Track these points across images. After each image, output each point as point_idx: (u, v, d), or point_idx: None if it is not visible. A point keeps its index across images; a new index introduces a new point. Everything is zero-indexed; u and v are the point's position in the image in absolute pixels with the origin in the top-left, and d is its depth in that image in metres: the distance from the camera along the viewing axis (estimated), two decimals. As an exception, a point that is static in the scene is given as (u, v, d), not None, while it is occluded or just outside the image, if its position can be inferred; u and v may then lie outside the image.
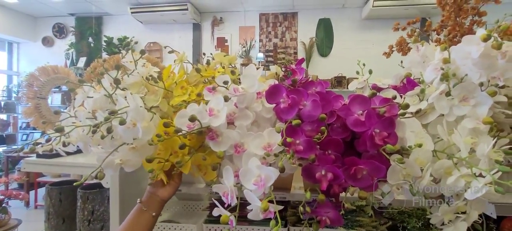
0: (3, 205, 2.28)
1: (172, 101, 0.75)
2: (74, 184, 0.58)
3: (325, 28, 5.03)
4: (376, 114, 0.52)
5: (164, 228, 0.96)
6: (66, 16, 5.37)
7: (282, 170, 0.52)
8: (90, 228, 0.97)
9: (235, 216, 0.56)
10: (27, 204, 3.83)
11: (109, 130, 0.57)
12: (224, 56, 0.91)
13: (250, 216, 0.53)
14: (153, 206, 0.67)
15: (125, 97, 0.66)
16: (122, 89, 0.76)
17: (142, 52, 0.83)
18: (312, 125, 0.56)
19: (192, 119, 0.54)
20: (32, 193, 3.93)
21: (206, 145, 0.67)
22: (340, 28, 4.96)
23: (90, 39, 5.27)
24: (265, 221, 0.54)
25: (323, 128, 0.54)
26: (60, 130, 0.62)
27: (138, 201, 0.69)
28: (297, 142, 0.52)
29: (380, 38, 4.69)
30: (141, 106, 0.60)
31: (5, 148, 4.88)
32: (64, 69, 1.08)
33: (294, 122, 0.52)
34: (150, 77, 0.77)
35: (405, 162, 0.48)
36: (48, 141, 0.61)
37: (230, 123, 0.64)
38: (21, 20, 5.26)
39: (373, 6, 4.38)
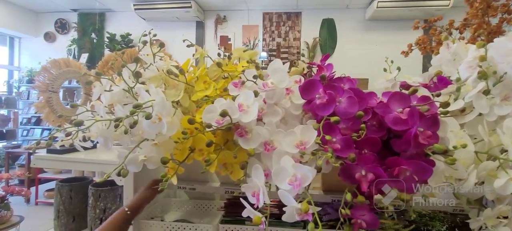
0: (5, 201, 2.25)
1: (194, 96, 0.72)
2: (98, 180, 0.55)
3: (328, 29, 5.01)
4: (419, 112, 0.50)
5: (178, 228, 0.93)
6: (69, 11, 5.33)
7: (319, 169, 0.50)
8: (102, 227, 0.94)
9: (266, 217, 0.53)
10: (28, 200, 3.79)
11: (133, 124, 0.54)
12: (244, 51, 0.88)
13: (285, 218, 0.50)
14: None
15: (147, 91, 0.64)
16: (141, 83, 0.73)
17: (161, 45, 0.80)
18: (348, 123, 0.54)
19: (224, 114, 0.51)
20: (32, 189, 3.89)
21: (230, 142, 0.64)
22: (343, 29, 4.93)
23: (93, 35, 5.23)
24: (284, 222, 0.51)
25: (362, 125, 0.51)
26: (79, 123, 0.59)
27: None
28: (334, 140, 0.49)
29: (383, 39, 4.68)
30: (167, 101, 0.57)
31: (5, 143, 4.83)
32: (76, 63, 1.05)
33: (333, 119, 0.50)
34: (171, 71, 0.74)
35: (455, 162, 0.46)
36: (68, 135, 0.58)
37: (258, 119, 0.61)
38: (23, 15, 5.22)
39: (377, 7, 4.36)
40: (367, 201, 0.51)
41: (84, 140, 0.60)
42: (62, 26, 5.40)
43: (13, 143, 4.96)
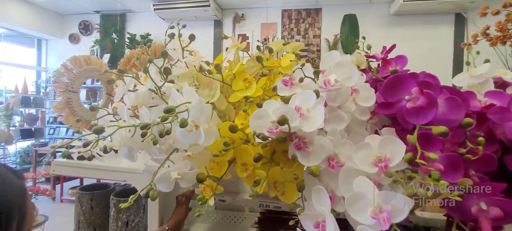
0: (31, 200, 2.26)
1: (231, 97, 0.60)
2: (123, 206, 0.44)
3: (350, 25, 4.77)
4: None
5: (207, 245, 0.82)
6: (92, 13, 5.46)
7: (412, 197, 0.36)
8: (124, 241, 0.85)
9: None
10: (53, 198, 3.87)
11: (165, 133, 0.43)
12: (284, 44, 0.75)
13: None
14: None
15: (178, 90, 0.52)
16: (169, 82, 0.63)
17: (192, 37, 0.69)
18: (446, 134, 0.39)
19: (283, 122, 0.39)
20: (57, 186, 3.98)
21: (278, 154, 0.52)
22: (366, 25, 4.68)
23: (114, 36, 5.32)
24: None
25: (480, 138, 0.37)
26: (99, 131, 0.49)
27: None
28: (433, 157, 0.36)
29: (410, 35, 4.37)
30: (206, 103, 0.45)
31: (33, 141, 5.02)
32: (97, 60, 0.97)
33: (438, 130, 0.36)
34: (203, 67, 0.63)
35: None
36: (86, 145, 0.48)
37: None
38: (49, 18, 5.41)
39: (403, 1, 4.08)
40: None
41: (105, 151, 0.50)
42: (85, 28, 5.55)
43: (41, 140, 5.14)
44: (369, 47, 0.67)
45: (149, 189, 0.45)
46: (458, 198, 0.32)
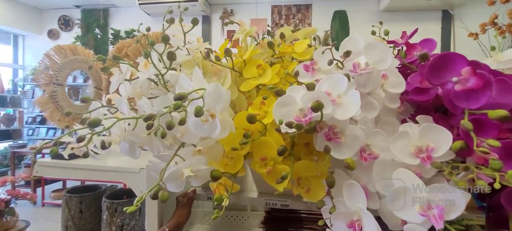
0: (11, 205, 2.11)
1: (243, 86, 0.54)
2: (136, 202, 0.38)
3: (340, 21, 4.78)
4: None
5: (211, 248, 0.76)
6: (72, 8, 5.20)
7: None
8: (119, 247, 0.78)
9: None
10: (34, 202, 3.66)
11: (179, 123, 0.37)
12: (292, 31, 0.70)
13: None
14: None
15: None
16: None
17: (195, 21, 0.62)
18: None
19: (318, 107, 0.34)
20: (39, 189, 3.77)
21: (300, 147, 0.47)
22: (356, 21, 4.72)
23: (97, 31, 5.09)
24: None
25: None
26: (95, 124, 0.42)
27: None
28: (495, 144, 0.31)
29: (399, 31, 4.42)
30: (223, 91, 0.39)
31: (11, 142, 4.73)
32: (84, 51, 0.88)
33: (496, 114, 0.31)
34: (210, 53, 0.56)
35: None
36: (80, 140, 0.41)
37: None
38: (26, 12, 5.11)
39: (392, -3, 4.14)
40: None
41: (104, 146, 0.43)
42: (65, 23, 5.28)
43: (19, 142, 4.86)
44: (386, 33, 0.63)
45: (157, 190, 0.39)
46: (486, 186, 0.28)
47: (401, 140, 0.39)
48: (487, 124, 0.34)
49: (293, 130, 0.36)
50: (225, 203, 0.43)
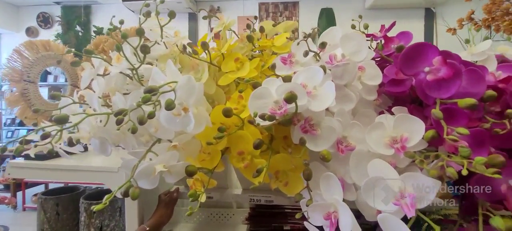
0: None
1: (221, 80, 0.53)
2: (106, 198, 0.36)
3: (327, 18, 4.84)
4: None
5: (194, 247, 0.75)
6: (52, 5, 5.00)
7: (441, 180, 0.32)
8: (98, 250, 0.75)
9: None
10: (14, 207, 3.51)
11: (148, 117, 0.35)
12: (273, 26, 0.70)
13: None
14: None
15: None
16: (147, 64, 0.54)
17: (171, 14, 0.60)
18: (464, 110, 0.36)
19: (291, 98, 0.33)
20: (19, 193, 3.61)
21: (278, 141, 0.46)
22: (343, 18, 4.78)
23: (78, 29, 4.92)
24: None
25: (509, 110, 0.34)
26: (63, 120, 0.40)
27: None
28: (464, 132, 0.32)
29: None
30: (196, 84, 0.38)
31: (-13, 146, 4.52)
32: (58, 46, 0.84)
33: (465, 102, 0.32)
34: (186, 47, 0.55)
35: None
36: (45, 137, 0.39)
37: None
38: (3, 10, 4.88)
39: (377, -5, 4.23)
40: None
41: (71, 143, 0.41)
42: (44, 20, 5.07)
43: (-4, 145, 4.65)
44: (366, 26, 0.64)
45: (128, 187, 0.37)
46: (498, 176, 0.28)
47: (376, 131, 0.39)
48: (458, 113, 0.34)
49: (267, 122, 0.35)
50: (201, 199, 0.42)
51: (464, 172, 0.29)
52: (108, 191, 0.81)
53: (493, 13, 0.79)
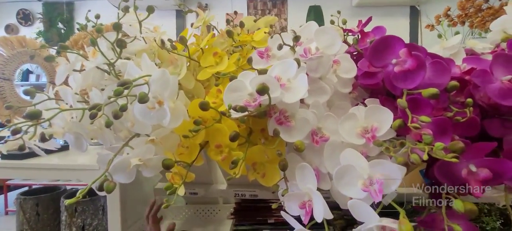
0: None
1: (200, 75, 0.53)
2: (66, 203, 0.36)
3: (315, 16, 4.88)
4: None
5: (179, 243, 0.75)
6: (32, 1, 4.82)
7: (406, 165, 0.34)
8: (80, 249, 0.74)
9: (326, 239, 0.37)
10: (-5, 211, 3.39)
11: (120, 113, 0.35)
12: (254, 21, 0.70)
13: (359, 240, 0.34)
14: None
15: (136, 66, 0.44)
16: (125, 59, 0.54)
17: (150, 9, 0.60)
18: (430, 99, 0.38)
19: (263, 90, 0.34)
20: (1, 197, 3.49)
21: (256, 134, 0.47)
22: (330, 16, 4.84)
23: (60, 26, 4.77)
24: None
25: (469, 100, 0.36)
26: (35, 115, 0.39)
27: None
28: (426, 120, 0.34)
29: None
30: (170, 77, 0.38)
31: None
32: (34, 42, 0.81)
33: (428, 92, 0.33)
34: (166, 42, 0.55)
35: None
36: (15, 133, 0.38)
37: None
38: (-21, 6, 4.67)
39: (364, -7, 4.29)
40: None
41: (44, 139, 0.40)
42: (25, 17, 4.89)
43: (-25, 147, 4.46)
44: (344, 22, 0.65)
45: (103, 180, 0.37)
46: (455, 160, 0.30)
47: (348, 121, 0.40)
48: (422, 103, 0.36)
49: (240, 114, 0.36)
50: (179, 192, 0.42)
51: (425, 157, 0.31)
52: (90, 190, 0.80)
53: (467, 10, 0.83)
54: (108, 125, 0.37)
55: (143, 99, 0.34)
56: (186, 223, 0.98)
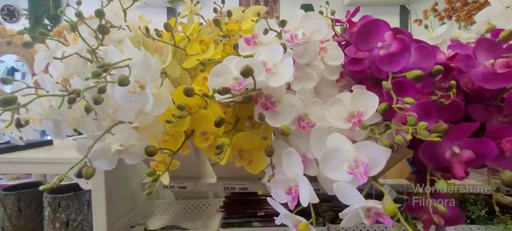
0: None
1: (186, 63, 0.52)
2: (41, 187, 0.34)
3: (307, 14, 4.91)
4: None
5: (167, 238, 0.74)
6: (17, -4, 4.68)
7: (392, 148, 0.34)
8: (65, 245, 0.72)
9: (312, 223, 0.36)
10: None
11: (99, 92, 0.34)
12: (243, 11, 0.70)
13: (345, 223, 0.34)
14: None
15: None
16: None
17: (135, -4, 0.58)
18: (415, 84, 0.38)
19: (247, 73, 0.33)
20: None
21: (243, 122, 0.46)
22: (319, 7, 4.87)
23: (47, 22, 4.64)
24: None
25: (452, 82, 0.36)
26: (10, 101, 0.37)
27: None
28: (410, 101, 0.34)
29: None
30: (152, 60, 0.37)
31: None
32: (13, 31, 0.78)
33: (412, 74, 0.33)
34: (149, 30, 0.53)
35: None
36: (-11, 119, 0.36)
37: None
38: (-39, 1, 4.51)
39: (355, -8, 4.34)
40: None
41: (19, 124, 0.39)
42: (10, 14, 4.74)
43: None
44: (332, 12, 0.65)
45: (82, 166, 0.36)
46: (438, 139, 0.30)
47: (335, 106, 0.40)
48: (407, 86, 0.36)
49: (225, 97, 0.35)
50: (163, 180, 0.41)
51: (409, 137, 0.31)
52: (74, 184, 0.78)
53: (454, 3, 0.84)
54: (87, 110, 0.36)
55: (123, 82, 0.33)
56: (174, 218, 0.96)
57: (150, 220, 0.94)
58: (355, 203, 0.33)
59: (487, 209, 0.72)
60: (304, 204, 0.35)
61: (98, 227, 0.72)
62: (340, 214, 0.35)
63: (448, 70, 0.41)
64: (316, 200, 0.36)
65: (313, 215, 0.36)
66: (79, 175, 0.34)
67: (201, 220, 0.93)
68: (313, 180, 0.72)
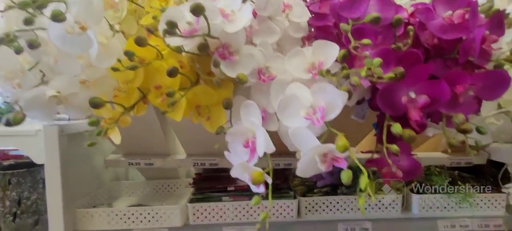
0: None
1: (143, 20, 0.48)
2: None
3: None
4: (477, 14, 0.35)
5: (132, 214, 0.70)
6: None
7: (349, 93, 0.33)
8: (18, 225, 0.66)
9: (269, 173, 0.35)
10: None
11: (26, 23, 0.30)
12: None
13: (300, 171, 0.33)
14: None
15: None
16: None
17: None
18: (377, 35, 0.38)
19: (197, 10, 0.30)
20: None
21: (204, 80, 0.44)
22: None
23: None
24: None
25: (410, 27, 0.35)
26: None
27: None
28: (366, 42, 0.33)
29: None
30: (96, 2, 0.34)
31: None
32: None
33: (370, 17, 0.32)
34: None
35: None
36: None
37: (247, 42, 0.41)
38: None
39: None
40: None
41: None
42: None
43: None
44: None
45: (12, 115, 0.32)
46: (392, 75, 0.29)
47: (296, 58, 0.39)
48: (367, 32, 0.35)
49: (176, 40, 0.33)
50: (113, 137, 0.38)
51: (363, 73, 0.30)
52: (27, 160, 0.72)
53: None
54: (17, 50, 0.32)
55: (57, 17, 0.30)
56: (144, 198, 0.92)
57: (117, 201, 0.90)
58: (310, 145, 0.31)
59: (450, 179, 0.76)
60: (260, 153, 0.34)
61: (53, 206, 0.66)
62: (297, 170, 0.33)
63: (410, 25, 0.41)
64: (272, 149, 0.34)
65: (270, 164, 0.35)
66: (7, 123, 0.31)
67: (171, 199, 0.90)
68: (290, 155, 0.70)
